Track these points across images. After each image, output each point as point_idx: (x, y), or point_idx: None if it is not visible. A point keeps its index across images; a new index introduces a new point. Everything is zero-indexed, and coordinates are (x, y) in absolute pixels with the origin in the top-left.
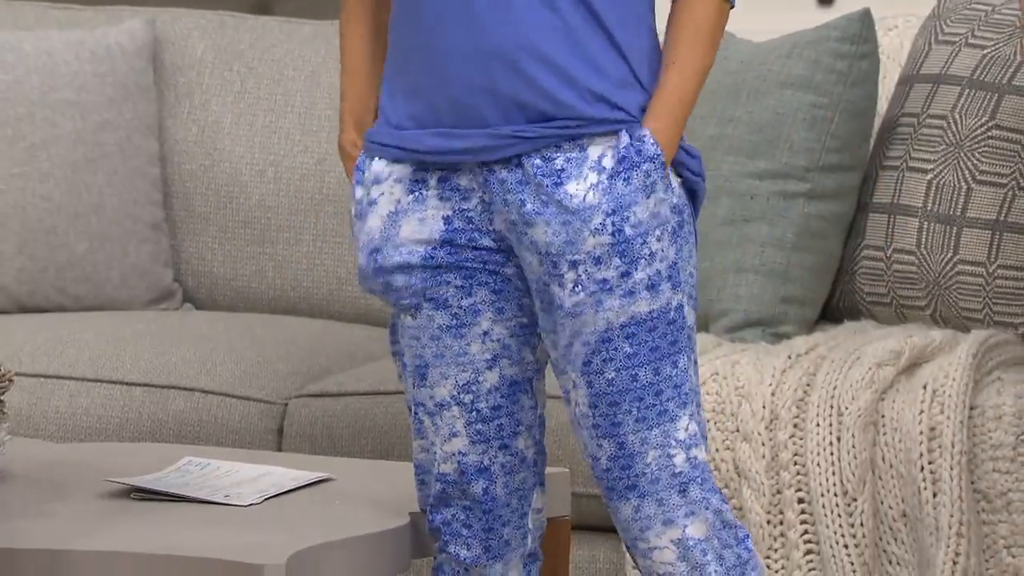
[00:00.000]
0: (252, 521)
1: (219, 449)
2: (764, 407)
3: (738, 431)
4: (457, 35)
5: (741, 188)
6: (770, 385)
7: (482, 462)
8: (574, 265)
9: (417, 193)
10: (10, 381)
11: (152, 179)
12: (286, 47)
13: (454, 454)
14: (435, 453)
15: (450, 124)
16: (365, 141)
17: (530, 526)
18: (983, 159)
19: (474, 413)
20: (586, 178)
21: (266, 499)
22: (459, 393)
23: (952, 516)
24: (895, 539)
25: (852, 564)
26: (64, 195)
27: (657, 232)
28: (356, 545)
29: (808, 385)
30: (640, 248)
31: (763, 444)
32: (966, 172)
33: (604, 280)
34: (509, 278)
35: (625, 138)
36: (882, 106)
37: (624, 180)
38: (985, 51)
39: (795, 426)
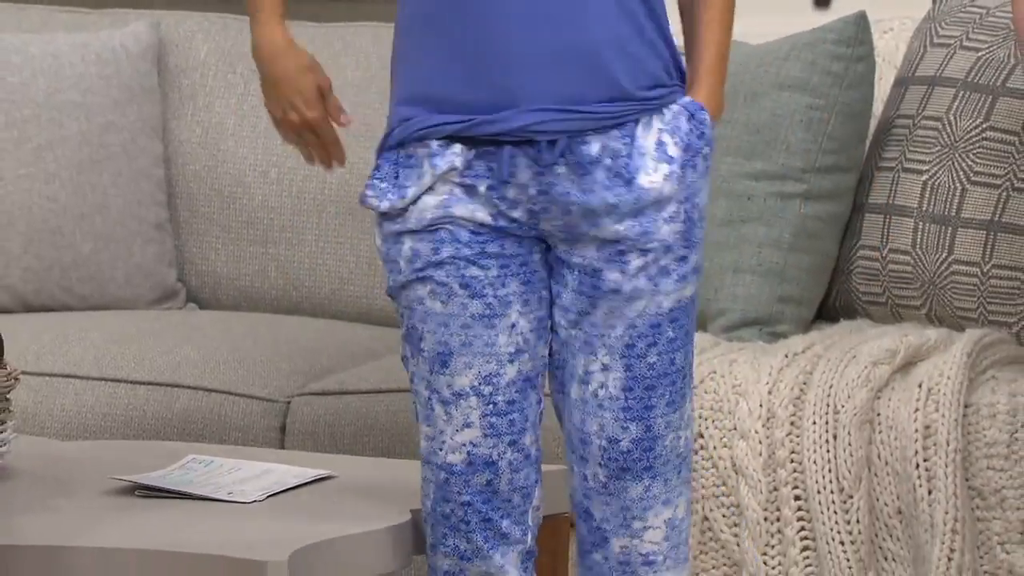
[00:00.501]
0: (255, 518)
1: (222, 447)
2: (761, 405)
3: (735, 429)
4: (527, 33)
5: (738, 189)
6: (767, 384)
7: (491, 456)
8: (644, 253)
9: (468, 189)
10: (16, 380)
11: (156, 180)
12: None
13: (464, 444)
14: (443, 442)
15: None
16: (398, 133)
17: (530, 523)
18: (977, 160)
19: (491, 406)
20: (656, 170)
21: (269, 496)
22: (480, 384)
23: (947, 513)
24: (891, 536)
25: (848, 560)
26: (69, 196)
27: (705, 220)
28: (358, 542)
29: (804, 384)
30: (696, 234)
31: (760, 442)
32: (961, 173)
33: (665, 266)
34: (535, 268)
35: (683, 123)
36: (878, 108)
37: (692, 168)
38: (979, 54)
39: (792, 424)
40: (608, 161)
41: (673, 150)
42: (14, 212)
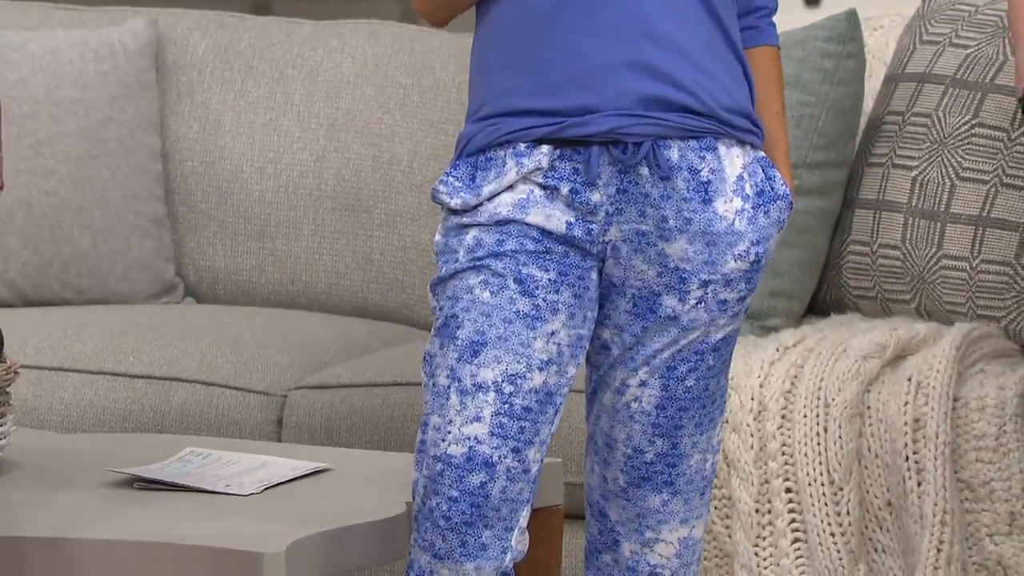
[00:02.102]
0: (252, 510)
1: (220, 440)
2: (753, 399)
3: (727, 422)
4: (608, 47)
5: None
6: (758, 377)
7: (491, 457)
8: (705, 284)
9: (549, 191)
10: (15, 373)
11: (154, 175)
12: (285, 46)
13: (469, 438)
14: (448, 432)
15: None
16: (481, 139)
17: (512, 543)
18: (966, 156)
19: (506, 406)
20: (731, 200)
21: (266, 489)
22: (503, 381)
23: (936, 505)
24: (880, 527)
25: (839, 552)
26: (68, 191)
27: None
28: (353, 533)
29: (795, 377)
30: (759, 277)
31: (752, 435)
32: (950, 169)
33: (724, 301)
34: (588, 286)
35: (759, 171)
36: (868, 104)
37: (764, 213)
38: (968, 51)
39: (783, 417)
40: (686, 172)
41: (749, 190)
42: (13, 207)
